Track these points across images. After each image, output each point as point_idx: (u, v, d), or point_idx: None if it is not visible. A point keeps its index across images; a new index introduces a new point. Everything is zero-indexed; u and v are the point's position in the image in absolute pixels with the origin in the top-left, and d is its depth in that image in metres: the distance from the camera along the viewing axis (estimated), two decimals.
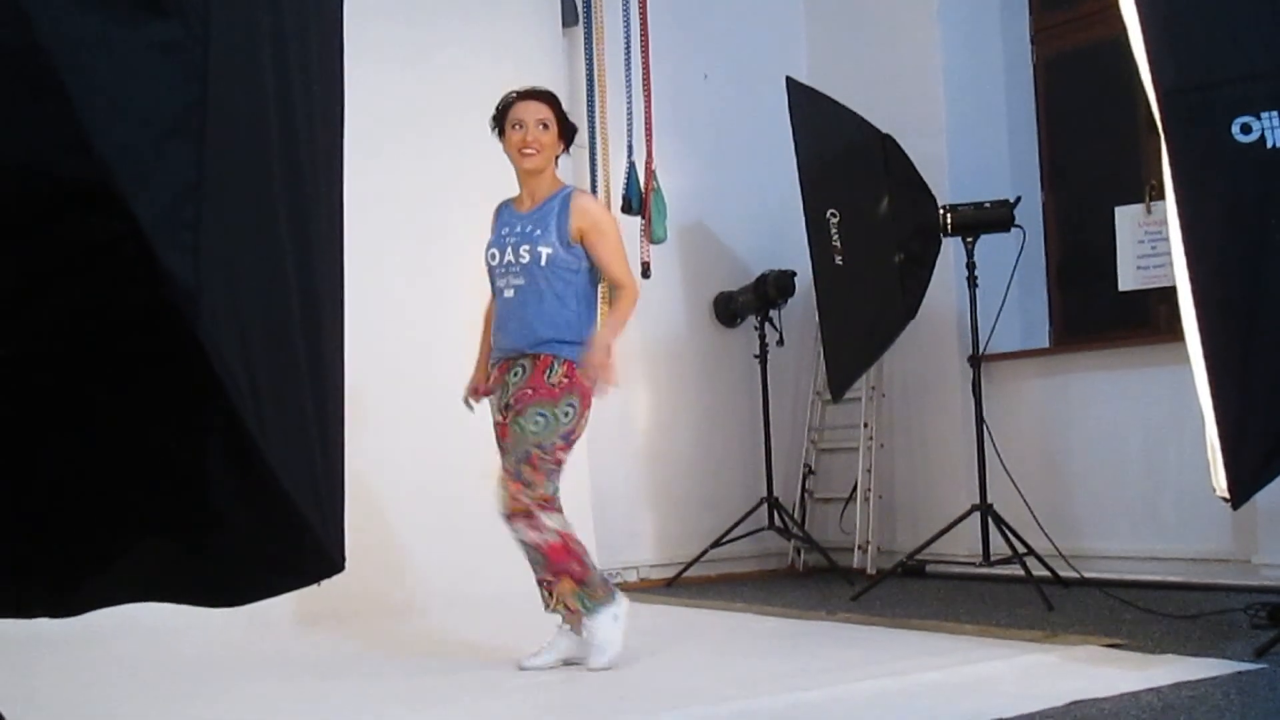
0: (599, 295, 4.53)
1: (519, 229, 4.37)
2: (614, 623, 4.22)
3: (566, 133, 4.45)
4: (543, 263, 4.29)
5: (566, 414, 4.25)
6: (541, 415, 4.22)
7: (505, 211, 4.50)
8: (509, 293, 4.35)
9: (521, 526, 4.18)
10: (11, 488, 1.95)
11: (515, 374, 4.33)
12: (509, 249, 4.35)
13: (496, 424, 4.42)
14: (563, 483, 5.52)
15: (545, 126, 4.36)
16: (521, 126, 4.34)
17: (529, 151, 4.34)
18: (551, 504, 4.22)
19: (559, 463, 4.25)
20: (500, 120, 4.42)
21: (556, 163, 4.48)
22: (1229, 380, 3.83)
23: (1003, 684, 3.71)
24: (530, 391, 4.25)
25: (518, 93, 4.42)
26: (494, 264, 4.41)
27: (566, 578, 4.20)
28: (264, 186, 2.02)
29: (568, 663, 4.23)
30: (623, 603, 4.28)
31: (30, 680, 4.27)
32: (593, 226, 4.34)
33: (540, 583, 4.28)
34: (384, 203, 5.76)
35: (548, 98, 4.42)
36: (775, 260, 6.98)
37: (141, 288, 1.75)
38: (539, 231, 4.32)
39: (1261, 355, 3.79)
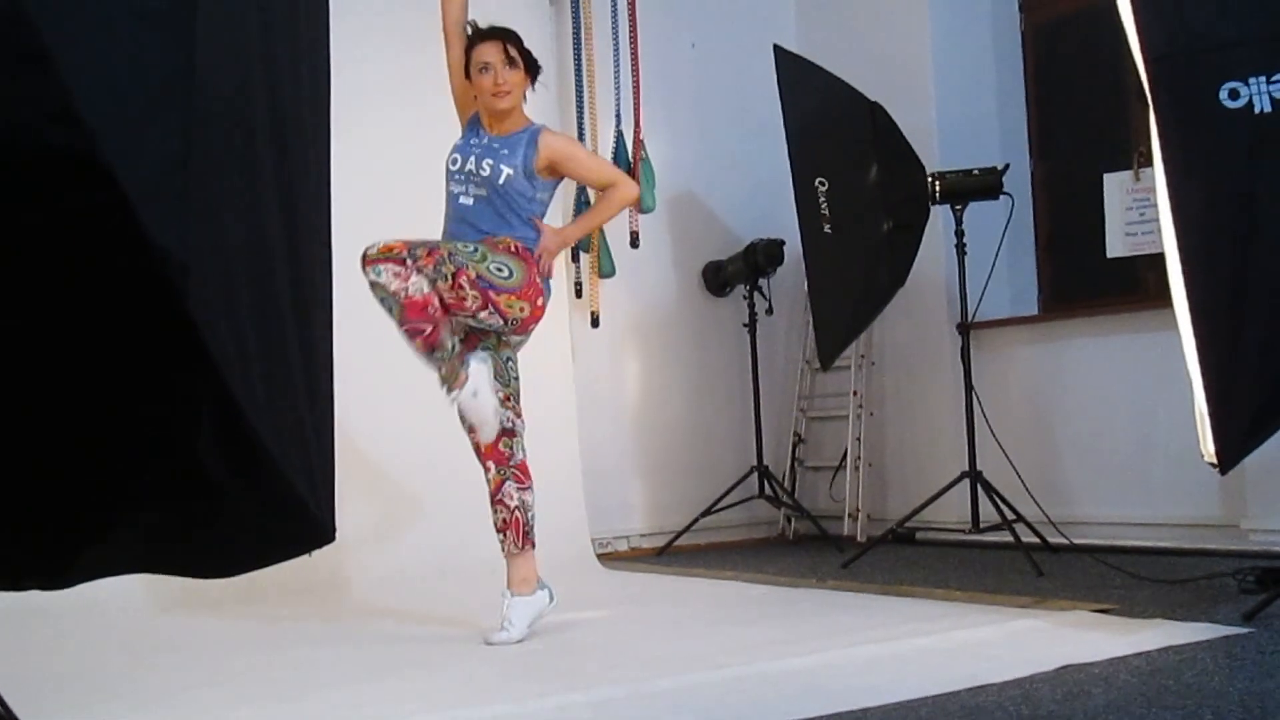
0: None
1: (486, 142, 4.41)
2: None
3: (532, 69, 4.45)
4: (501, 180, 4.33)
5: (500, 269, 4.21)
6: (505, 266, 4.21)
7: (477, 123, 4.50)
8: (466, 199, 4.38)
9: (384, 269, 4.02)
10: (3, 461, 1.96)
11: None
12: (472, 158, 4.38)
13: None
14: (552, 451, 5.55)
15: (512, 64, 4.37)
16: (489, 69, 4.35)
17: (502, 93, 4.36)
18: (430, 259, 4.09)
19: (489, 306, 4.17)
20: (466, 55, 4.43)
21: (529, 89, 4.50)
22: (1217, 346, 3.84)
23: (992, 649, 3.73)
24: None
25: (476, 33, 4.42)
26: (454, 168, 4.42)
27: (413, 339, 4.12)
28: (252, 158, 2.02)
29: (531, 627, 4.28)
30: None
31: (22, 653, 4.27)
32: (562, 157, 4.42)
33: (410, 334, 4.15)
34: (371, 176, 5.74)
35: (508, 34, 4.42)
36: (764, 229, 6.97)
37: (131, 258, 1.75)
38: (505, 151, 4.36)
39: (1249, 322, 3.79)
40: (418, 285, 4.05)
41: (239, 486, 2.10)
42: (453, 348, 4.22)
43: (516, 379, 4.43)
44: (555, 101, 6.56)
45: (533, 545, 4.32)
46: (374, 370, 5.65)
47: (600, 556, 6.43)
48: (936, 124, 6.75)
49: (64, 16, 1.67)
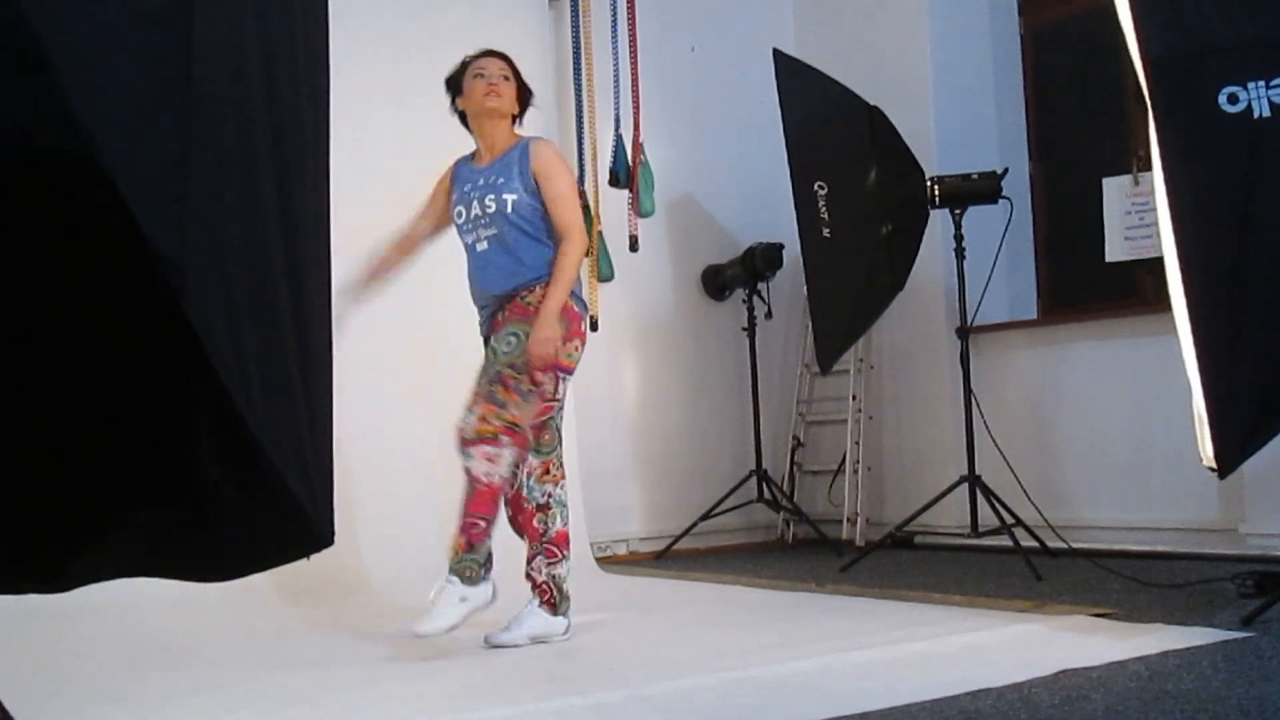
0: None
1: (480, 181, 4.35)
2: (460, 603, 4.12)
3: (523, 97, 4.45)
4: (509, 210, 4.26)
5: (530, 330, 4.17)
6: (514, 335, 4.19)
7: (463, 169, 4.48)
8: (482, 245, 4.32)
9: (476, 453, 4.10)
10: (0, 463, 1.95)
11: (502, 317, 4.31)
12: (474, 203, 4.33)
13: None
14: None
15: (507, 79, 4.38)
16: (484, 76, 4.36)
17: (494, 93, 4.34)
18: (518, 433, 4.13)
19: (536, 384, 4.17)
20: (459, 78, 4.44)
21: (517, 121, 4.47)
22: (1216, 351, 3.84)
23: (991, 654, 3.72)
24: (505, 316, 4.26)
25: (475, 54, 4.45)
26: (461, 221, 4.38)
27: (464, 533, 4.13)
28: (250, 160, 2.02)
29: (535, 640, 4.21)
30: (480, 596, 4.18)
31: (20, 656, 4.27)
32: (543, 169, 4.31)
33: (465, 527, 4.15)
34: (369, 177, 5.73)
35: (506, 58, 4.44)
36: (763, 233, 6.98)
37: (129, 261, 1.75)
38: (501, 179, 4.30)
39: (1248, 326, 3.79)
40: (501, 469, 4.11)
41: (237, 490, 2.09)
42: (487, 556, 4.21)
43: (560, 444, 4.35)
44: (555, 106, 6.56)
45: (560, 612, 4.28)
46: (373, 373, 5.65)
47: (599, 560, 6.42)
48: (935, 128, 6.75)
49: (61, 18, 1.66)
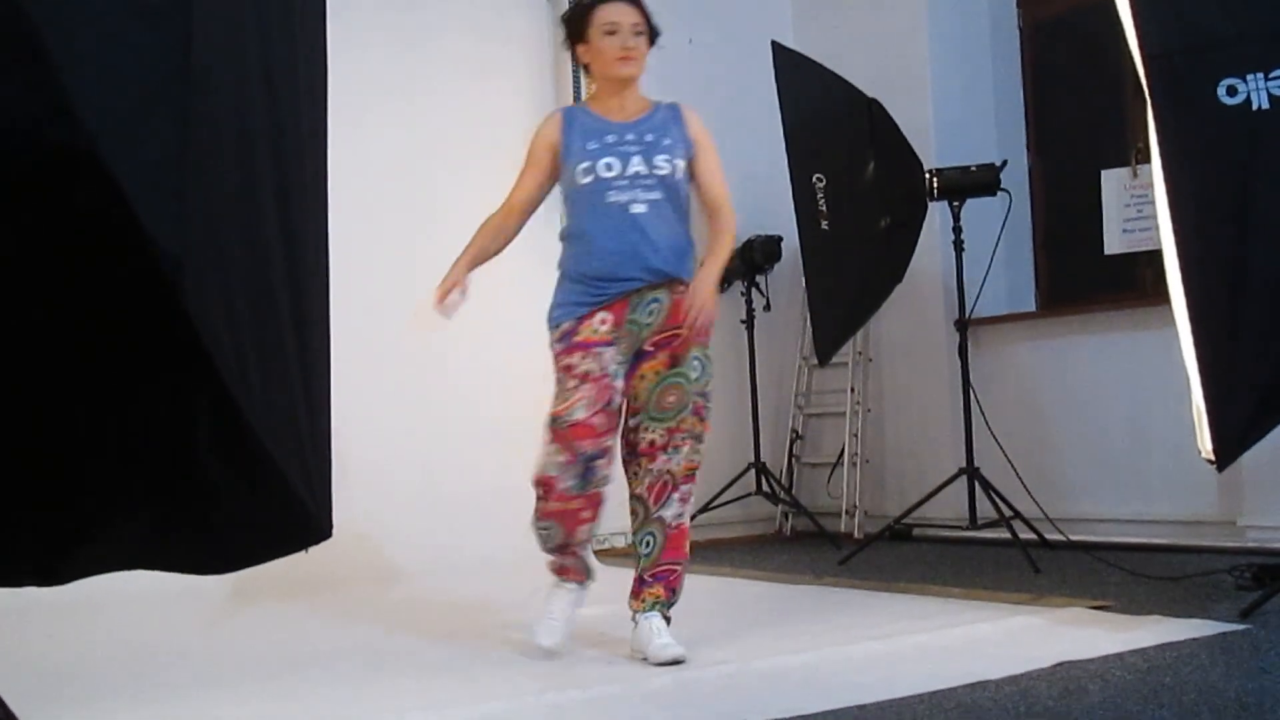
0: None
1: (629, 137, 3.78)
2: (669, 630, 3.79)
3: (652, 40, 3.94)
4: (676, 176, 3.78)
5: (710, 353, 3.83)
6: (698, 359, 3.78)
7: (585, 118, 3.87)
8: (639, 208, 3.71)
9: (678, 495, 3.80)
10: (0, 457, 1.95)
11: (648, 312, 3.76)
12: (636, 158, 3.74)
13: (604, 375, 3.74)
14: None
15: (641, 33, 3.84)
16: (617, 31, 3.79)
17: (629, 59, 3.80)
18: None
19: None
20: (582, 24, 3.85)
21: None
22: (1214, 343, 3.84)
23: (989, 646, 3.73)
24: (675, 336, 3.74)
25: None
26: (611, 175, 3.72)
27: (662, 581, 3.81)
28: (248, 155, 2.02)
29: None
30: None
31: (20, 649, 4.27)
32: (701, 138, 3.90)
33: (644, 579, 3.82)
34: (367, 171, 5.74)
35: (637, 2, 3.87)
36: (761, 225, 6.96)
37: (128, 255, 1.75)
38: (667, 141, 3.80)
39: (1246, 318, 3.80)
40: (690, 508, 3.85)
41: (236, 483, 2.10)
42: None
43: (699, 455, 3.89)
44: (554, 98, 6.55)
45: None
46: (371, 366, 5.66)
47: (597, 553, 6.41)
48: (934, 120, 6.74)
49: (62, 14, 1.66)
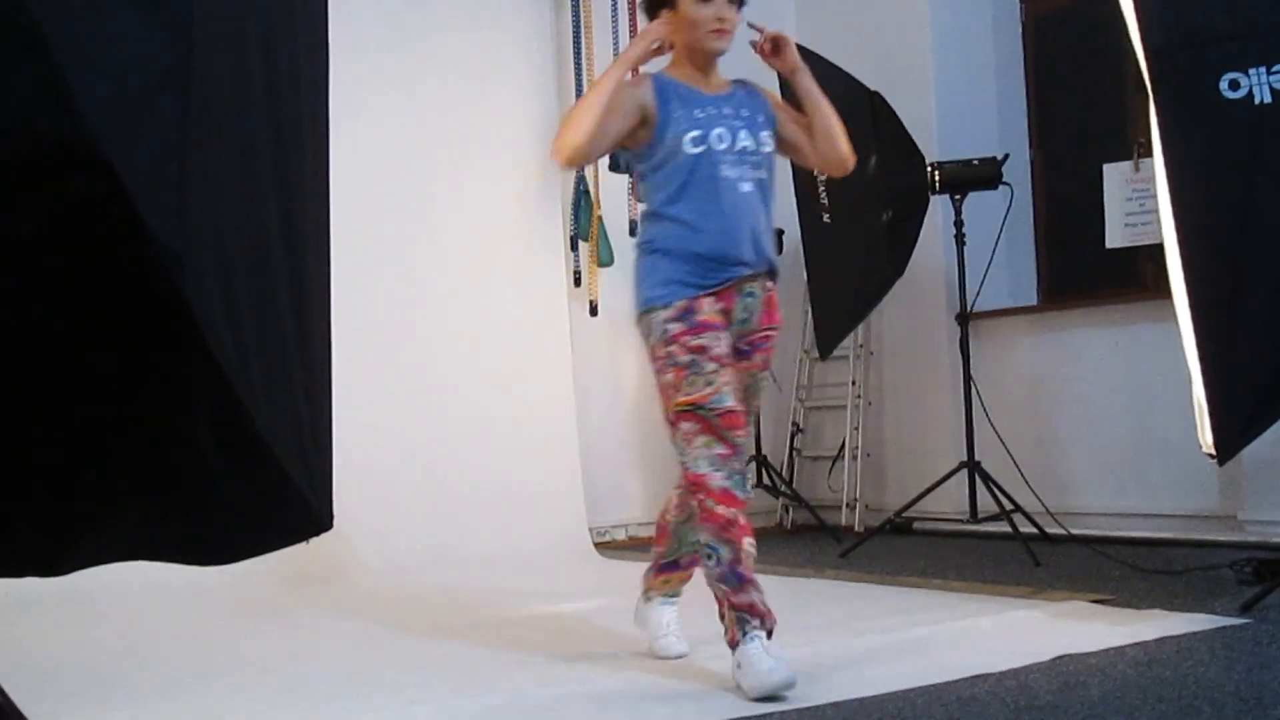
0: None
1: (726, 110, 3.47)
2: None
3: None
4: (772, 153, 3.51)
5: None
6: (766, 375, 3.60)
7: (680, 89, 3.50)
8: (747, 186, 3.40)
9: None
10: (0, 448, 1.95)
11: (743, 307, 3.43)
12: (743, 132, 3.43)
13: (718, 354, 3.31)
14: (551, 442, 5.43)
15: (734, 1, 3.49)
16: (713, 1, 3.45)
17: (724, 32, 3.47)
18: None
19: None
20: None
21: None
22: (1216, 337, 3.84)
23: (989, 639, 3.73)
24: (770, 337, 3.49)
25: None
26: (723, 147, 3.39)
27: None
28: (249, 148, 2.02)
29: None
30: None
31: (19, 641, 4.27)
32: (783, 115, 3.61)
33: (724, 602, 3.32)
34: (367, 162, 5.74)
35: None
36: None
37: (128, 249, 1.75)
38: (761, 118, 3.50)
39: (1248, 313, 3.79)
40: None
41: (236, 474, 2.09)
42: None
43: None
44: (555, 98, 6.55)
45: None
46: (373, 361, 5.66)
47: (598, 546, 6.43)
48: (936, 114, 6.74)
49: (60, 5, 1.66)
